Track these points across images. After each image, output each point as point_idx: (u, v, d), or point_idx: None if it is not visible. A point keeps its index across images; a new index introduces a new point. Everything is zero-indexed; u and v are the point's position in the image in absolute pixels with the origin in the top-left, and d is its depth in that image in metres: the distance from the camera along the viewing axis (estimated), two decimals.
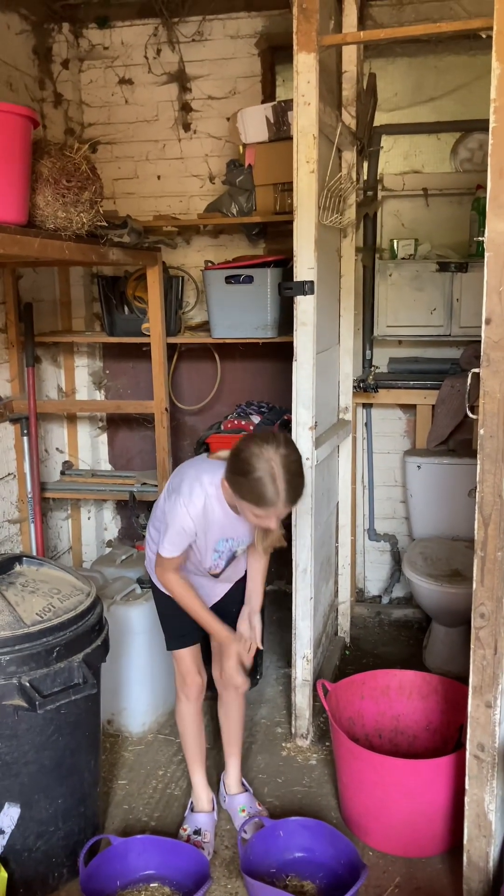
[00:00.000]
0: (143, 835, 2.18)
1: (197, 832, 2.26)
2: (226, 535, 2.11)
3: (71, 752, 2.04)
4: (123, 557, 3.25)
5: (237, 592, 2.32)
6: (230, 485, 1.94)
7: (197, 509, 2.01)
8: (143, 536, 3.13)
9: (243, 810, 2.34)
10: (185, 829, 2.27)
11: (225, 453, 2.05)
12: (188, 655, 2.26)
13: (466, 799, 1.93)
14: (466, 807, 1.93)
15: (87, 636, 2.06)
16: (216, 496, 2.02)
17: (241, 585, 2.32)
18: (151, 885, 2.07)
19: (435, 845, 2.18)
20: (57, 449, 3.90)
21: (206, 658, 2.35)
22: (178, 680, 2.32)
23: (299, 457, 1.95)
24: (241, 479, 1.89)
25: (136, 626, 2.68)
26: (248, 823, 2.26)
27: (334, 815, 2.36)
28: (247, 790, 2.41)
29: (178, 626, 2.24)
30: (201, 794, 2.34)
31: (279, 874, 2.08)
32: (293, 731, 2.70)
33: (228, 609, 2.29)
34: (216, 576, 2.23)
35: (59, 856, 2.07)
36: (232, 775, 2.42)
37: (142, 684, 2.74)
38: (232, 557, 2.20)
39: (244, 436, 1.99)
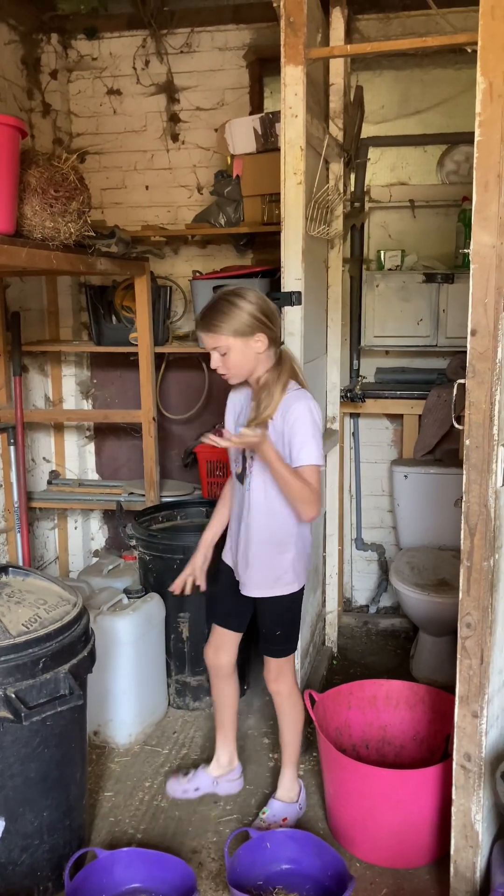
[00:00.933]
0: (129, 847, 2.16)
1: (186, 773, 2.50)
2: (236, 414, 2.31)
3: (57, 764, 2.03)
4: (110, 567, 3.24)
5: (269, 616, 2.27)
6: (265, 334, 2.10)
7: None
8: (130, 546, 3.13)
9: (264, 812, 2.34)
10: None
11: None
12: (213, 632, 2.42)
13: (453, 809, 1.93)
14: (453, 817, 1.93)
15: (74, 647, 2.04)
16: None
17: (273, 611, 2.26)
18: None
19: (422, 856, 2.17)
20: (44, 458, 3.89)
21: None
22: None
23: (234, 291, 2.08)
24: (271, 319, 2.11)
25: (123, 636, 2.66)
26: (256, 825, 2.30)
27: (321, 827, 2.35)
28: (291, 802, 2.36)
29: (212, 602, 2.46)
30: (216, 757, 2.52)
31: (266, 886, 2.06)
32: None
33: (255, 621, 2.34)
34: (239, 478, 2.22)
35: (44, 869, 2.05)
36: (282, 783, 2.40)
37: (128, 695, 2.72)
38: (245, 457, 2.18)
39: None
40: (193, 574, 2.42)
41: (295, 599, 2.26)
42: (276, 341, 2.13)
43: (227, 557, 2.35)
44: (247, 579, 2.23)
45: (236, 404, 2.31)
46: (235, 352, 2.07)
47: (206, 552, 2.42)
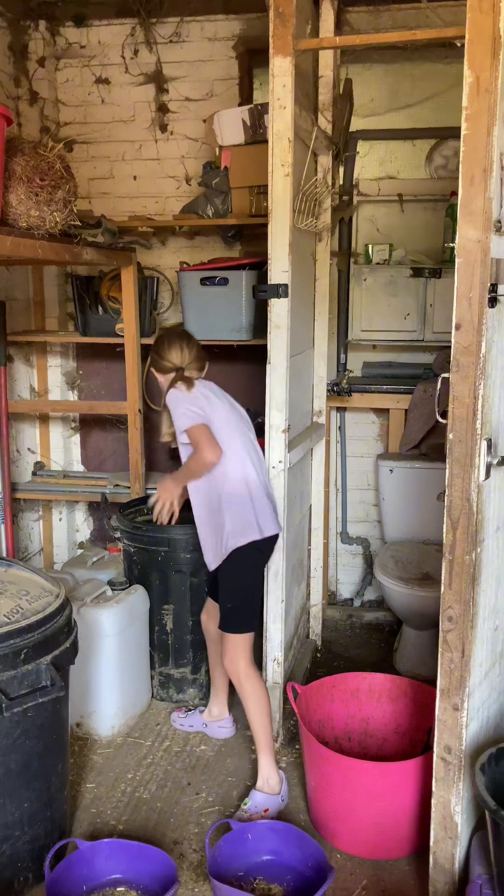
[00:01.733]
0: (110, 839, 2.16)
1: (189, 710, 2.82)
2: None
3: (38, 755, 2.02)
4: (95, 559, 3.23)
5: (221, 585, 2.46)
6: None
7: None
8: (115, 538, 3.12)
9: (245, 803, 2.36)
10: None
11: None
12: (208, 600, 2.70)
13: (433, 801, 1.94)
14: (433, 809, 1.94)
15: (56, 638, 2.04)
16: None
17: (222, 577, 2.45)
18: (118, 889, 2.05)
19: (402, 847, 2.19)
20: (28, 449, 3.87)
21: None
22: (249, 659, 2.41)
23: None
24: None
25: (107, 628, 2.66)
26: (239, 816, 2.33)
27: (303, 818, 2.36)
28: (272, 794, 2.38)
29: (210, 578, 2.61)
30: (210, 703, 2.78)
31: (247, 877, 2.07)
32: None
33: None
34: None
35: (24, 860, 2.05)
36: (259, 772, 2.42)
37: (111, 687, 2.72)
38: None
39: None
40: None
41: (244, 566, 2.39)
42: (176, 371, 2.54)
43: None
44: (205, 555, 2.46)
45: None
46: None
47: None
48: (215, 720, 2.75)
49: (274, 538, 2.45)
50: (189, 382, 2.45)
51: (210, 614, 2.66)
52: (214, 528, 2.41)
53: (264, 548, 2.43)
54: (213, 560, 2.43)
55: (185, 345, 2.52)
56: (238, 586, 2.41)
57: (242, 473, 2.39)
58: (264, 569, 2.52)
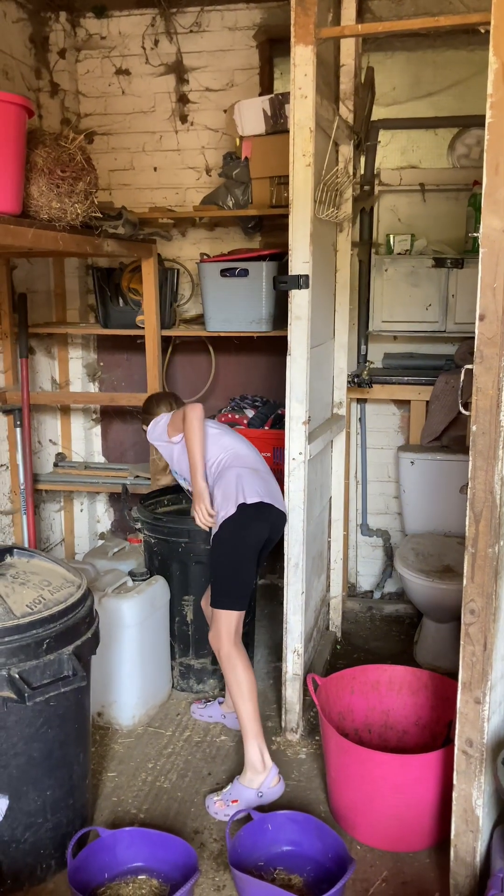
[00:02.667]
0: (131, 827, 2.18)
1: (208, 701, 2.84)
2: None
3: (60, 744, 2.04)
4: (115, 550, 3.25)
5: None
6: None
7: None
8: (135, 529, 3.14)
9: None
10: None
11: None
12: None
13: (454, 794, 1.93)
14: (454, 802, 1.94)
15: (78, 628, 2.05)
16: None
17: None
18: (139, 877, 2.07)
19: (422, 840, 2.18)
20: (50, 440, 3.89)
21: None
22: (232, 639, 2.39)
23: None
24: None
25: (127, 618, 2.67)
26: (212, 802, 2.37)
27: (323, 809, 2.36)
28: (246, 786, 2.37)
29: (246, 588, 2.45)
30: (226, 693, 2.78)
31: (267, 867, 2.08)
32: (283, 725, 2.71)
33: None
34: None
35: (47, 847, 2.07)
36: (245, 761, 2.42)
37: (132, 677, 2.73)
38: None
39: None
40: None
41: (222, 538, 2.41)
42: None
43: None
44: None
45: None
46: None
47: None
48: (232, 711, 2.74)
49: (265, 515, 2.41)
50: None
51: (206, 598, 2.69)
52: (217, 505, 2.46)
53: (248, 522, 2.38)
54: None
55: (174, 401, 2.78)
56: (216, 558, 2.42)
57: (233, 453, 2.51)
58: (251, 546, 2.42)
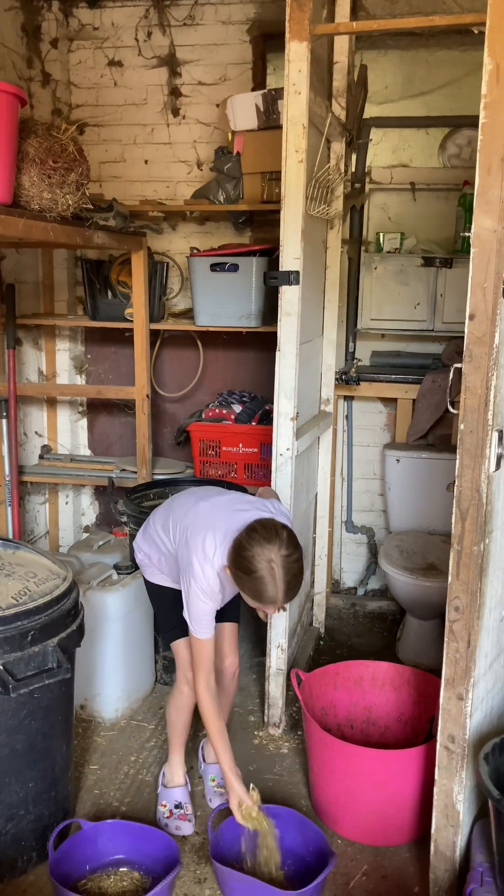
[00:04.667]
0: (113, 819, 2.18)
1: (178, 806, 2.30)
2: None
3: (43, 736, 2.04)
4: (100, 543, 3.24)
5: None
6: (232, 575, 1.96)
7: (213, 588, 2.03)
8: (121, 522, 3.13)
9: (213, 780, 2.40)
10: (165, 805, 2.31)
11: (232, 504, 2.09)
12: (187, 646, 2.23)
13: (435, 789, 1.95)
14: (435, 797, 1.95)
15: (63, 621, 2.05)
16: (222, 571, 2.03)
17: None
18: (121, 869, 2.07)
19: (403, 834, 2.20)
20: (36, 432, 3.87)
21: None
22: (179, 672, 2.31)
23: (300, 554, 1.94)
24: (242, 574, 1.92)
25: (112, 611, 2.67)
26: (215, 794, 2.37)
27: (304, 804, 2.37)
28: None
29: (177, 618, 2.16)
30: (178, 769, 2.38)
31: (249, 860, 2.09)
32: (266, 719, 2.72)
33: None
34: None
35: (28, 839, 2.07)
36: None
37: (116, 670, 2.73)
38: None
39: (249, 527, 1.95)
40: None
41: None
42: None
43: None
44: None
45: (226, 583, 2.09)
46: None
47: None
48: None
49: None
50: None
51: (227, 641, 2.34)
52: None
53: None
54: None
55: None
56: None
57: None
58: None
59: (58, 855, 2.00)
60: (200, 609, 2.04)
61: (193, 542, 2.03)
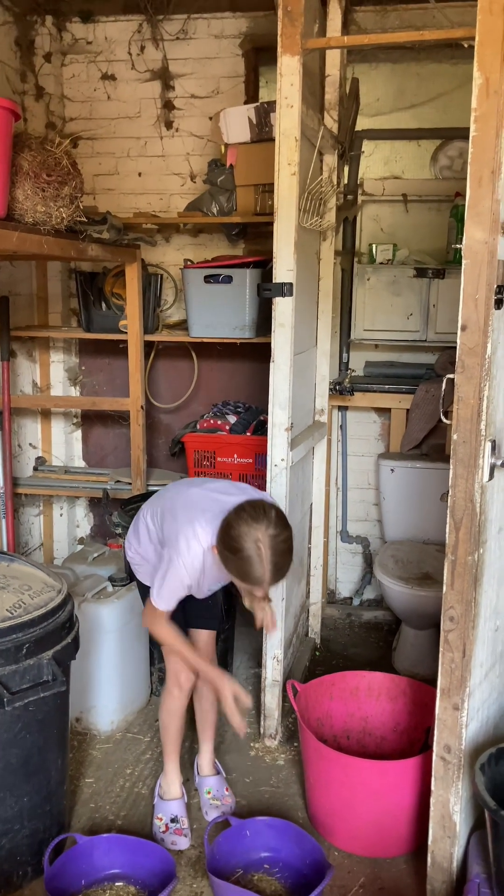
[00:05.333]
0: (109, 833, 2.17)
1: (174, 820, 2.29)
2: (220, 581, 2.17)
3: (38, 749, 2.03)
4: (95, 555, 3.23)
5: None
6: (219, 555, 1.96)
7: (195, 566, 2.04)
8: (116, 534, 3.12)
9: (209, 792, 2.39)
10: (161, 819, 2.29)
11: (222, 489, 2.12)
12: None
13: (432, 800, 1.94)
14: (432, 808, 1.95)
15: (58, 633, 2.04)
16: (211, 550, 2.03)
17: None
18: (117, 884, 2.06)
19: (400, 846, 2.19)
20: (30, 444, 3.87)
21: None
22: (170, 675, 2.31)
23: (289, 534, 1.95)
24: (229, 554, 1.92)
25: (107, 624, 2.66)
26: (211, 807, 2.35)
27: (301, 816, 2.36)
28: (218, 773, 2.47)
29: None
30: (174, 780, 2.37)
31: (245, 874, 2.08)
32: (262, 731, 2.71)
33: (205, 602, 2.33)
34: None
35: (23, 854, 2.06)
36: (205, 758, 2.47)
37: (111, 683, 2.72)
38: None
39: (237, 507, 1.95)
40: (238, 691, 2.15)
41: None
42: None
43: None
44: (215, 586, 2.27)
45: (210, 566, 2.07)
46: None
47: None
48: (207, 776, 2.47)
49: None
50: None
51: (203, 651, 2.34)
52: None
53: None
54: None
55: None
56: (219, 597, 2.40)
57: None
58: None
59: (53, 870, 1.99)
60: (174, 585, 2.04)
61: (182, 520, 2.05)
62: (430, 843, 1.97)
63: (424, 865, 2.00)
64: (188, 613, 2.32)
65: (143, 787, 2.48)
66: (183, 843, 2.24)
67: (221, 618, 2.46)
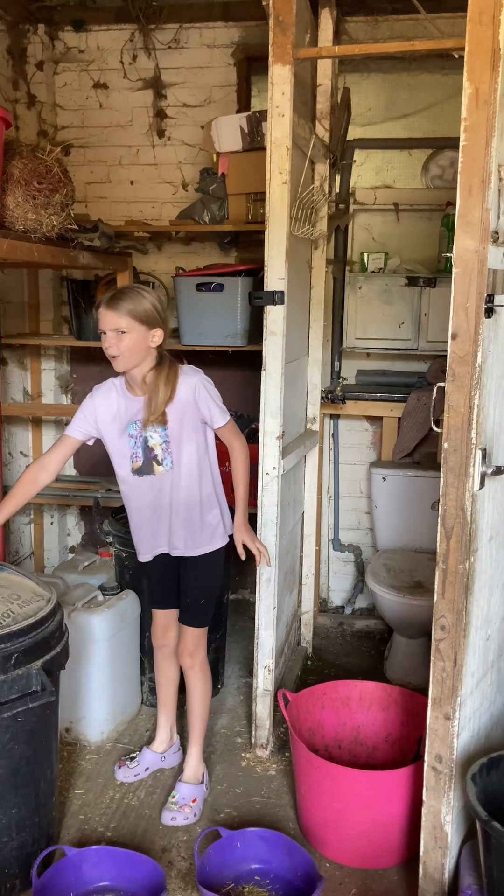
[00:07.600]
0: (98, 846, 2.15)
1: (132, 758, 2.57)
2: (131, 418, 2.30)
3: (27, 760, 2.01)
4: (86, 564, 3.22)
5: (194, 580, 2.40)
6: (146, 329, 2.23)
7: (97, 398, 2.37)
8: (106, 543, 3.11)
9: (174, 796, 2.40)
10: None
11: None
12: (156, 616, 2.51)
13: (423, 810, 1.93)
14: (423, 818, 1.94)
15: (47, 643, 2.03)
16: (119, 387, 2.34)
17: (197, 572, 2.39)
18: None
19: (391, 857, 2.18)
20: (21, 452, 3.85)
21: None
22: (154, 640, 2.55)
23: (140, 285, 2.23)
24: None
25: (97, 633, 2.65)
26: (166, 808, 2.37)
27: (292, 827, 2.35)
28: (199, 783, 2.45)
29: (151, 591, 2.53)
30: (160, 734, 2.59)
31: (236, 886, 2.06)
32: (253, 741, 2.69)
33: (184, 598, 2.43)
34: (140, 472, 2.32)
35: (11, 867, 2.03)
36: (188, 762, 2.49)
37: (101, 693, 2.70)
38: (148, 449, 2.29)
39: None
40: None
41: (223, 559, 2.44)
42: (163, 342, 2.28)
43: (146, 556, 2.43)
44: (179, 542, 2.36)
45: (112, 407, 2.37)
46: (134, 336, 2.20)
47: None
48: (171, 748, 2.64)
49: None
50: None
51: (170, 628, 2.49)
52: (202, 521, 2.35)
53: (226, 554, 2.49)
54: (191, 547, 2.35)
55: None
56: (216, 581, 2.45)
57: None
58: None
59: (42, 882, 1.97)
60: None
61: None
62: (421, 853, 1.95)
63: (416, 876, 1.98)
64: (181, 611, 2.45)
65: (133, 799, 2.46)
66: (119, 774, 2.53)
67: (213, 621, 2.52)
